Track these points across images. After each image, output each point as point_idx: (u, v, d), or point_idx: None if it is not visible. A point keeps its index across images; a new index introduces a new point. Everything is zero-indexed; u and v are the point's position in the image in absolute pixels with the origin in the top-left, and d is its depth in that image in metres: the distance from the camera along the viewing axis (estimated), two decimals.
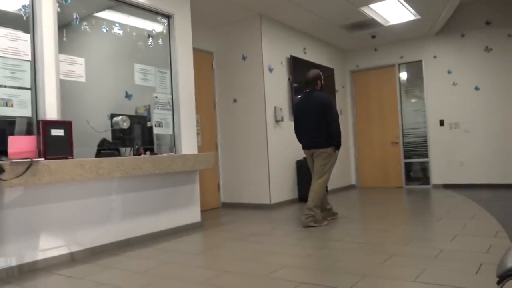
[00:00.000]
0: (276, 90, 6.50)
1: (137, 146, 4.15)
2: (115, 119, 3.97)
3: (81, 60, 3.85)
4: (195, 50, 5.29)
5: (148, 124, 4.43)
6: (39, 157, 3.18)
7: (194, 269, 3.11)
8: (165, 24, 4.80)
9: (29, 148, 3.17)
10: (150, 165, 3.97)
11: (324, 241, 3.80)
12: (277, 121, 6.42)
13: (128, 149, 4.14)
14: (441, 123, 7.68)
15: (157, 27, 4.73)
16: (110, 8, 4.26)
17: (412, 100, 8.19)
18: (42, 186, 3.36)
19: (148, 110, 4.51)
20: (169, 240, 4.17)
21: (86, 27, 4.01)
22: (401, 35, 7.81)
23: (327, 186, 4.87)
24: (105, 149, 3.91)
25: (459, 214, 4.78)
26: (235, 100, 6.52)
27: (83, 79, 3.86)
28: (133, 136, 4.16)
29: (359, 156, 8.68)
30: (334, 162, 4.65)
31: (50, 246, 3.40)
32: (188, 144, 4.86)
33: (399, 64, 8.24)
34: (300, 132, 4.80)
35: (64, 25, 3.76)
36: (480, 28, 7.27)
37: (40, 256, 3.32)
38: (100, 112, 4.12)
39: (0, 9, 3.35)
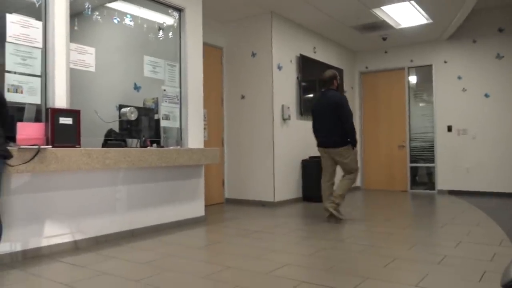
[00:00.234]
0: (284, 88, 6.48)
1: (144, 138, 4.16)
2: (123, 110, 3.97)
3: (91, 50, 3.86)
4: (205, 44, 5.29)
5: (156, 116, 4.43)
6: (47, 144, 3.19)
7: (197, 263, 3.11)
8: (176, 18, 4.80)
9: (37, 135, 3.19)
10: (156, 158, 3.97)
11: (327, 242, 3.79)
12: (284, 119, 6.41)
13: (135, 140, 4.14)
14: (449, 128, 7.63)
15: (168, 20, 4.73)
16: None
17: (421, 104, 8.14)
18: (49, 173, 3.37)
19: (156, 102, 4.51)
20: (173, 233, 4.17)
21: (97, 17, 4.01)
22: (412, 39, 7.76)
23: (329, 187, 4.88)
24: (112, 139, 3.92)
25: (464, 221, 4.75)
26: (243, 97, 6.51)
27: (92, 69, 3.87)
28: (140, 128, 4.17)
29: (365, 158, 8.65)
30: (354, 159, 4.76)
31: (54, 234, 3.41)
32: (195, 138, 4.86)
33: (408, 68, 8.19)
34: (317, 131, 4.92)
35: (76, 14, 3.76)
36: (492, 35, 7.21)
37: (44, 242, 3.34)
38: (108, 102, 4.13)
39: None
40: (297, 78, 6.79)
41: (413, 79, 8.24)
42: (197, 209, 4.85)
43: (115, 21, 4.18)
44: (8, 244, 3.11)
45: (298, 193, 6.70)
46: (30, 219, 3.26)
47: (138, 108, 4.06)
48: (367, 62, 8.68)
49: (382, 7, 6.10)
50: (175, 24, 4.80)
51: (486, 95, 7.28)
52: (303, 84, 6.83)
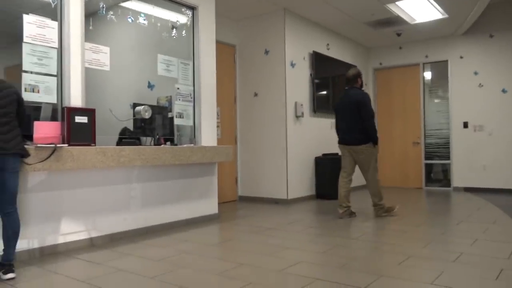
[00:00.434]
0: (298, 86, 6.46)
1: (158, 136, 4.19)
2: (137, 108, 4.01)
3: (106, 49, 3.90)
4: (218, 42, 5.29)
5: (169, 115, 4.46)
6: (63, 143, 3.24)
7: (211, 260, 3.13)
8: (189, 16, 4.82)
9: (54, 134, 3.24)
10: (170, 156, 4.00)
11: (341, 239, 3.77)
12: (297, 116, 6.39)
13: (149, 138, 4.18)
14: (465, 125, 7.51)
15: (181, 18, 4.75)
16: None
17: (436, 101, 8.04)
18: (65, 171, 3.42)
19: (170, 101, 4.54)
20: (187, 230, 4.20)
21: (112, 16, 4.05)
22: (427, 34, 7.66)
23: (346, 183, 4.85)
24: (127, 137, 3.96)
25: (480, 218, 4.68)
26: (256, 94, 6.51)
27: (107, 68, 3.91)
28: (154, 126, 4.20)
29: (379, 155, 8.55)
30: (375, 157, 4.83)
31: (70, 231, 3.47)
32: (208, 136, 4.88)
33: (423, 64, 8.08)
34: (339, 128, 4.97)
35: (90, 14, 3.81)
36: (510, 29, 7.07)
37: (61, 240, 3.40)
38: (122, 101, 4.17)
39: None
40: (310, 75, 6.76)
41: (428, 75, 8.13)
42: (210, 206, 4.88)
43: (129, 20, 4.22)
44: (26, 241, 3.17)
45: (312, 191, 6.68)
46: (46, 216, 3.32)
47: (152, 107, 4.09)
48: (381, 58, 8.59)
49: (397, 3, 6.03)
50: (188, 23, 4.82)
51: (504, 91, 7.15)
52: (316, 81, 6.79)
